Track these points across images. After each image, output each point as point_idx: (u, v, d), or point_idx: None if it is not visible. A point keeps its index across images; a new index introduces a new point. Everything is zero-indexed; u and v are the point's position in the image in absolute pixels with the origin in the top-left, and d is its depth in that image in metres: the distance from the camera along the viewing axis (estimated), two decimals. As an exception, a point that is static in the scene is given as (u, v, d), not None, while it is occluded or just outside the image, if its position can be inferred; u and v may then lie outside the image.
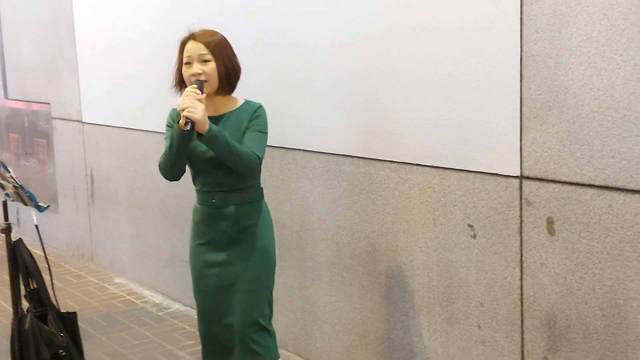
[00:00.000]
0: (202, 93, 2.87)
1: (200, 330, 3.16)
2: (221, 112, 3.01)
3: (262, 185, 3.12)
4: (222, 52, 2.94)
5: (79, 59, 5.97)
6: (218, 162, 2.91)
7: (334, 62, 3.62)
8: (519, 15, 2.77)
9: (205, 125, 2.79)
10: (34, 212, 3.42)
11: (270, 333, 3.09)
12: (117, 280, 5.68)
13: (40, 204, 3.36)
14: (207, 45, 2.91)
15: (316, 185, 3.80)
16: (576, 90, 2.62)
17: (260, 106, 3.03)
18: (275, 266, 3.13)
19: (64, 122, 6.29)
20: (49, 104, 6.49)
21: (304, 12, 3.76)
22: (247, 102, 3.05)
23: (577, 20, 2.59)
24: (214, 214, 3.02)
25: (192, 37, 2.95)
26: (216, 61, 2.92)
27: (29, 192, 3.33)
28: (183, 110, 2.77)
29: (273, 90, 3.94)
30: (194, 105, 2.76)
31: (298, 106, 3.83)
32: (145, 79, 5.15)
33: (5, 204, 3.49)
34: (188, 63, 2.94)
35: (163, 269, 5.24)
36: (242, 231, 3.02)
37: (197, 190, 3.08)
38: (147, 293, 5.33)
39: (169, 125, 3.03)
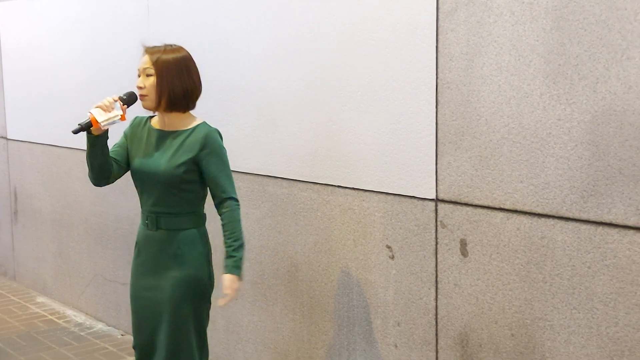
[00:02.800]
0: (127, 105, 2.92)
1: (134, 342, 3.09)
2: (171, 128, 2.97)
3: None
4: (165, 69, 2.89)
5: (5, 75, 5.86)
6: (155, 179, 2.90)
7: (257, 83, 3.66)
8: (435, 44, 2.87)
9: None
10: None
11: None
12: (40, 299, 5.57)
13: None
14: (152, 59, 2.90)
15: (240, 205, 3.81)
16: (488, 117, 2.72)
17: (209, 134, 2.92)
18: (208, 299, 3.00)
19: (-12, 137, 6.18)
20: (-28, 119, 6.36)
21: (226, 32, 3.79)
22: (201, 125, 2.96)
23: (488, 50, 2.70)
24: (146, 236, 2.98)
25: (146, 50, 2.95)
26: (157, 77, 2.88)
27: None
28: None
29: (196, 109, 3.95)
30: (99, 112, 2.86)
31: (222, 126, 3.84)
32: (70, 95, 5.09)
33: None
34: (138, 75, 2.94)
35: (86, 288, 5.17)
36: (171, 259, 2.93)
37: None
38: (69, 312, 5.24)
39: (125, 133, 3.07)
